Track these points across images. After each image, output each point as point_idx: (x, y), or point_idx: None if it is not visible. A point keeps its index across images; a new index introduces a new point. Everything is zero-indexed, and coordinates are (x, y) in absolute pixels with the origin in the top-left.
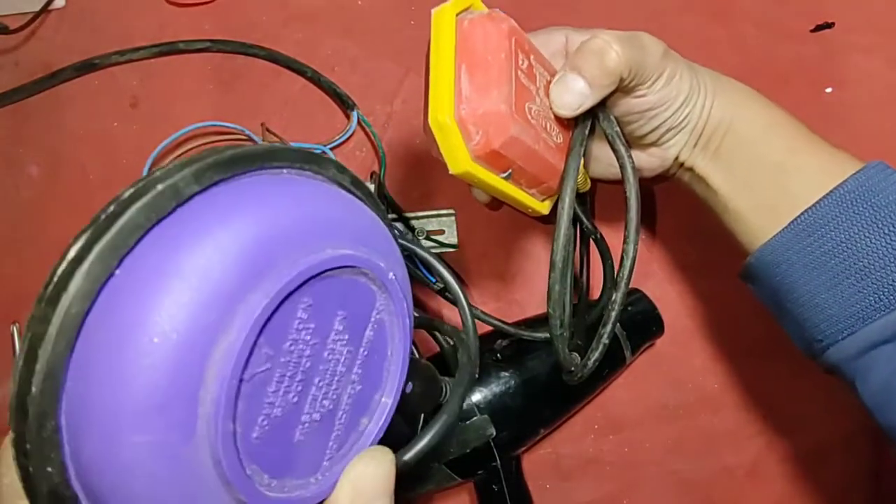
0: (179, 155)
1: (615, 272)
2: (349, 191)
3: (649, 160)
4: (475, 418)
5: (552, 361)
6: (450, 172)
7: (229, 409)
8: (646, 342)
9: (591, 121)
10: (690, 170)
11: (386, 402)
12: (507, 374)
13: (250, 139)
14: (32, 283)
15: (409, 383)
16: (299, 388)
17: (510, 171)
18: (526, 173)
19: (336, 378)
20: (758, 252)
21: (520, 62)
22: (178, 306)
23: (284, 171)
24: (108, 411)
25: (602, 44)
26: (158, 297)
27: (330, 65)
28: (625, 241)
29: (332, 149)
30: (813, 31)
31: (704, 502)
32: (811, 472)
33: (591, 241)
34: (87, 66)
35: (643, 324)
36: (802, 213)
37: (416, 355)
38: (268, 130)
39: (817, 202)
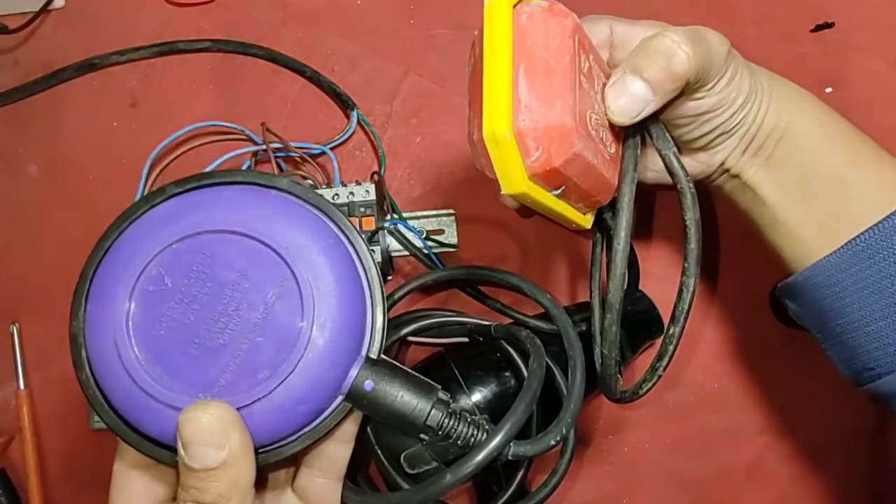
0: (179, 154)
1: (675, 307)
2: (303, 200)
3: (692, 166)
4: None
5: (553, 364)
6: (502, 192)
7: (124, 297)
8: (646, 342)
9: (641, 134)
10: (737, 177)
11: (287, 367)
12: (507, 373)
13: (250, 139)
14: (33, 283)
15: (370, 381)
16: (194, 313)
17: (563, 188)
18: (579, 189)
19: (232, 320)
20: (807, 271)
21: (582, 64)
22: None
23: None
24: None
25: (670, 43)
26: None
27: (330, 65)
28: (684, 274)
29: (332, 149)
30: (813, 31)
31: (704, 502)
32: (811, 472)
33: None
34: (86, 66)
35: (643, 324)
36: (862, 234)
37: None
38: (268, 130)
39: (879, 222)
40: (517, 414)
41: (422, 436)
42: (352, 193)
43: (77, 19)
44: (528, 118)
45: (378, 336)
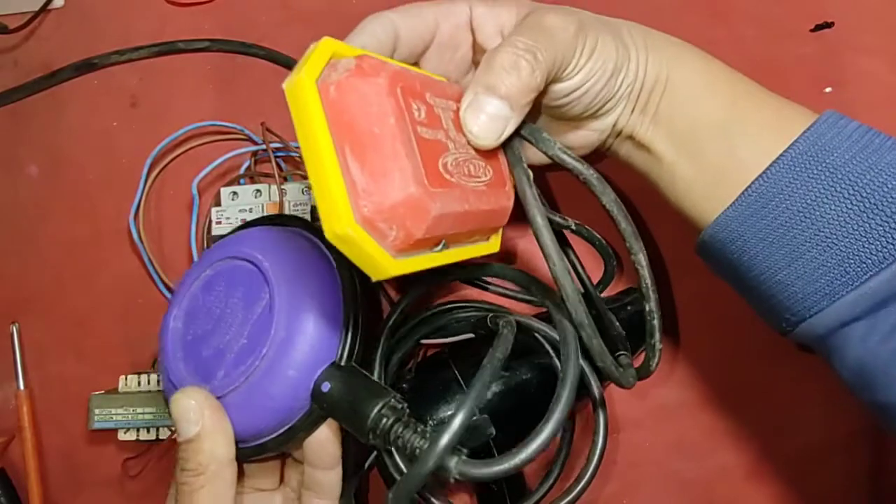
0: (179, 154)
1: (639, 285)
2: (306, 235)
3: (586, 136)
4: (475, 418)
5: (553, 361)
6: (372, 280)
7: (174, 307)
8: (646, 342)
9: (519, 142)
10: (630, 138)
11: (255, 364)
12: (507, 373)
13: (250, 139)
14: (32, 283)
15: (326, 383)
16: (211, 324)
17: (443, 242)
18: (462, 233)
19: (231, 329)
20: (709, 229)
21: (415, 115)
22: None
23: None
24: None
25: (512, 57)
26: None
27: None
28: (630, 253)
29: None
30: (813, 30)
31: (704, 502)
32: (811, 472)
33: (571, 233)
34: (86, 66)
35: (643, 324)
36: (752, 184)
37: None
38: (268, 130)
39: (767, 169)
40: (453, 424)
41: (371, 441)
42: None
43: (77, 19)
44: (369, 202)
45: (346, 345)
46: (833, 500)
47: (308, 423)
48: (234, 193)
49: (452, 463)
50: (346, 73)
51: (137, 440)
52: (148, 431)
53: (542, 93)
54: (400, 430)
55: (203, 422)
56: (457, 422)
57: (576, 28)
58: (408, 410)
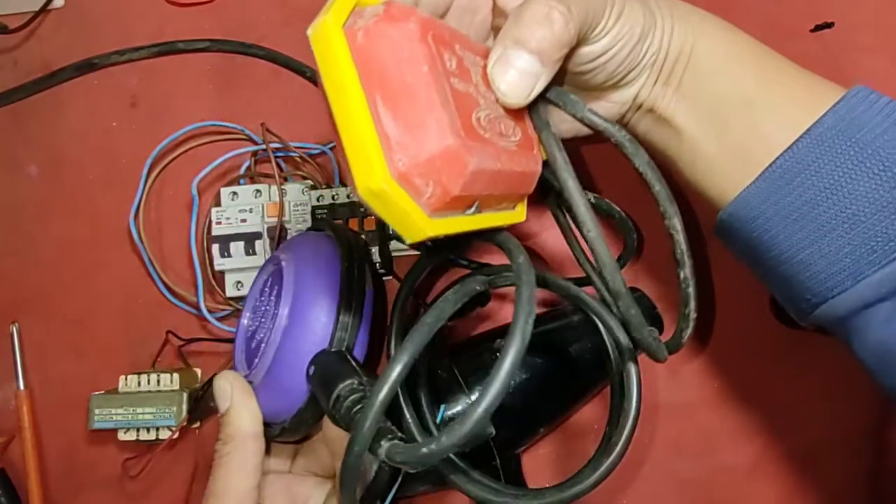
0: (179, 154)
1: (674, 251)
2: (328, 235)
3: (607, 108)
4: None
5: (552, 360)
6: (406, 244)
7: (246, 307)
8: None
9: (545, 106)
10: (651, 111)
11: (267, 351)
12: None
13: (250, 139)
14: (33, 283)
15: (312, 367)
16: (258, 319)
17: (476, 204)
18: (494, 197)
19: (266, 322)
20: (730, 207)
21: (447, 64)
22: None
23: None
24: None
25: (545, 8)
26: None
27: None
28: (664, 217)
29: (331, 149)
30: (813, 30)
31: (704, 502)
32: (811, 472)
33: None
34: (86, 66)
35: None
36: (777, 159)
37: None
38: (268, 131)
39: (793, 144)
40: (369, 409)
41: (338, 423)
42: (351, 194)
43: (77, 19)
44: (404, 155)
45: (335, 331)
46: (833, 500)
47: (311, 407)
48: (234, 193)
49: (382, 447)
50: (374, 19)
51: (137, 440)
52: (148, 431)
53: (567, 57)
54: (355, 409)
55: (232, 400)
56: (373, 407)
57: None
58: (364, 390)
